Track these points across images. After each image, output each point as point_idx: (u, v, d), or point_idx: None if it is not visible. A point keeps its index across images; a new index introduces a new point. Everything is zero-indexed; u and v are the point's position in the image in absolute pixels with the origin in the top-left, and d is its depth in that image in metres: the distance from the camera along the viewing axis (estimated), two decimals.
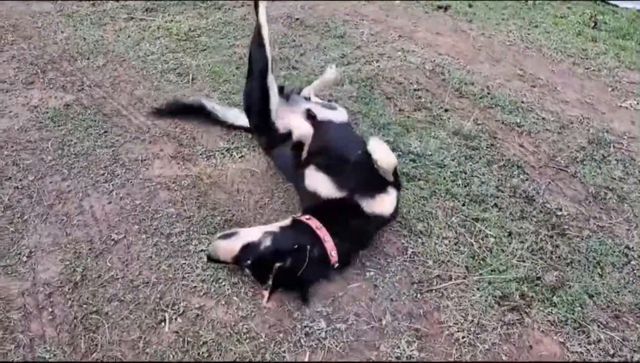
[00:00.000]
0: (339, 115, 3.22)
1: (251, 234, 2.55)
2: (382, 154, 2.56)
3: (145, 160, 3.28)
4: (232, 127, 3.53)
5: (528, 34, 4.94)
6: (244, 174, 3.23)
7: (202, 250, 2.74)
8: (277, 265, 2.40)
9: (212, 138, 3.50)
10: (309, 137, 2.95)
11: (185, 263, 2.66)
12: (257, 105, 3.09)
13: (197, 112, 3.50)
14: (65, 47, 4.45)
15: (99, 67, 4.20)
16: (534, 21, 5.20)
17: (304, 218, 2.63)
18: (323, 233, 2.55)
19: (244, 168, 3.27)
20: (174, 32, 4.73)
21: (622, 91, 4.19)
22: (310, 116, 3.08)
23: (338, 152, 2.85)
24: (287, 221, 2.65)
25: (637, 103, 4.08)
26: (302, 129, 2.98)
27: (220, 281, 2.59)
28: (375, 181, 2.67)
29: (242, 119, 3.39)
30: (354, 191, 2.65)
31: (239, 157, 3.35)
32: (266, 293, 2.47)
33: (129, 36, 4.68)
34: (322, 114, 3.13)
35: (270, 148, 3.19)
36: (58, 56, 4.33)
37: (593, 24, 5.10)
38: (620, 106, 4.03)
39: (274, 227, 2.59)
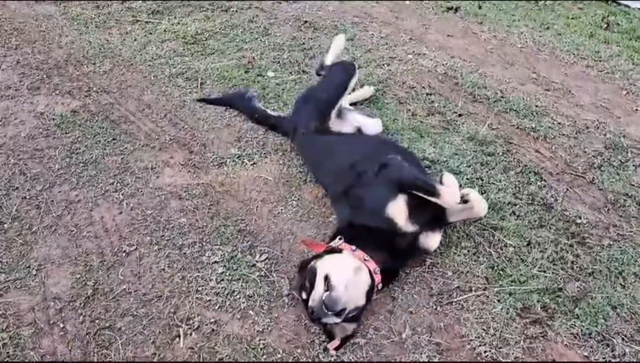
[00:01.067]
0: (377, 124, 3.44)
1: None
2: (481, 205, 2.72)
3: (155, 168, 3.22)
4: (264, 123, 3.58)
5: (540, 36, 4.87)
6: (256, 182, 3.17)
7: (215, 262, 2.68)
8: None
9: (223, 145, 3.43)
10: None
11: (199, 276, 2.60)
12: (322, 106, 3.18)
13: (241, 101, 3.68)
14: (71, 51, 4.38)
15: (105, 72, 4.14)
16: (545, 23, 5.12)
17: (349, 247, 2.49)
18: (372, 265, 2.46)
19: (256, 176, 3.21)
20: (181, 35, 4.66)
21: (637, 95, 4.12)
22: None
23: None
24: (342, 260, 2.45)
25: None
26: None
27: (235, 294, 2.54)
28: (436, 216, 2.68)
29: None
30: (423, 227, 2.61)
31: (251, 164, 3.29)
32: (337, 342, 2.33)
33: (135, 40, 4.61)
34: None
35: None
36: (63, 60, 4.27)
37: (605, 25, 5.03)
38: (636, 110, 3.96)
39: (338, 268, 2.38)
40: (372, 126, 3.37)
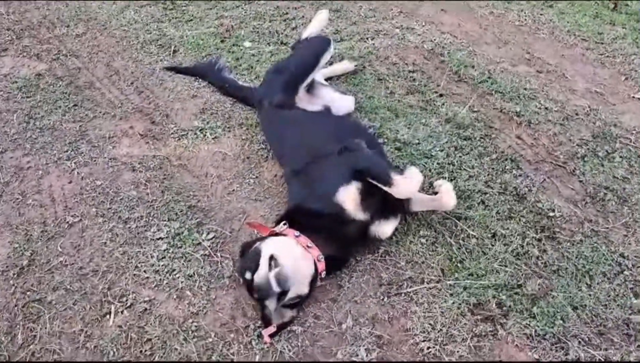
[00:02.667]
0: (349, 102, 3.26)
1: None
2: (450, 198, 2.61)
3: (113, 137, 3.11)
4: (234, 95, 3.44)
5: (541, 14, 4.59)
6: (215, 157, 3.04)
7: (160, 238, 2.58)
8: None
9: (187, 116, 3.30)
10: None
11: (140, 251, 2.51)
12: (291, 80, 3.02)
13: (211, 71, 3.54)
14: (46, 13, 4.26)
15: (78, 35, 4.01)
16: (548, 0, 4.83)
17: (293, 233, 2.36)
18: (316, 252, 2.32)
19: (217, 151, 3.08)
20: None
21: (637, 81, 3.87)
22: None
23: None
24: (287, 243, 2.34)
25: None
26: None
27: (174, 272, 2.44)
28: (395, 205, 2.53)
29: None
30: (376, 215, 2.46)
31: (213, 138, 3.15)
32: (272, 329, 2.22)
33: (114, 3, 4.46)
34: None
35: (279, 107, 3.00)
36: (37, 22, 4.14)
37: (613, 6, 4.73)
38: (633, 97, 3.71)
39: (284, 249, 2.28)
40: (343, 104, 3.19)
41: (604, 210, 2.87)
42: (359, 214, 2.41)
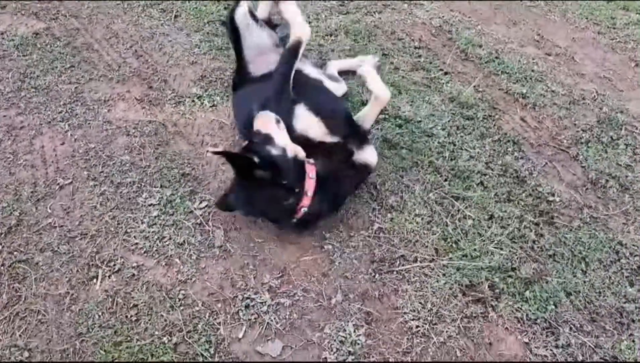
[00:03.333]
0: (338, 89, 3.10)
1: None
2: (377, 86, 2.58)
3: (108, 101, 3.05)
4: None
5: None
6: (212, 125, 2.98)
7: (151, 204, 2.54)
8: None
9: (185, 83, 3.24)
10: None
11: (130, 217, 2.47)
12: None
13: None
14: None
15: None
16: None
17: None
18: (310, 168, 2.33)
19: (213, 119, 3.02)
20: None
21: None
22: None
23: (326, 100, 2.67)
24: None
25: None
26: None
27: (164, 240, 2.40)
28: (360, 132, 2.57)
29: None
30: (346, 138, 2.48)
31: (210, 106, 3.09)
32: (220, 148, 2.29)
33: None
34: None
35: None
36: None
37: None
38: None
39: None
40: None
41: (605, 197, 2.81)
42: (328, 138, 2.43)
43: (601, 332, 2.26)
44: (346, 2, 4.07)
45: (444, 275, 2.38)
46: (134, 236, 2.39)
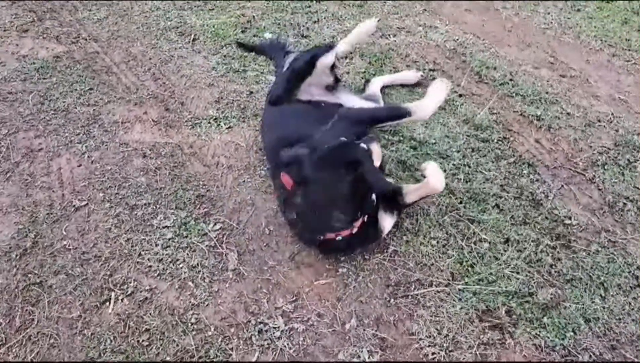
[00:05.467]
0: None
1: None
2: (436, 179, 2.47)
3: (125, 123, 3.09)
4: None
5: (568, 18, 4.47)
6: (227, 146, 3.00)
7: (165, 226, 2.55)
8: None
9: (202, 105, 3.27)
10: None
11: (145, 239, 2.48)
12: (290, 77, 2.95)
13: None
14: None
15: (99, 19, 4.00)
16: (577, 4, 4.70)
17: None
18: None
19: (229, 140, 3.04)
20: None
21: None
22: None
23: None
24: None
25: None
26: None
27: (178, 262, 2.41)
28: (397, 203, 2.56)
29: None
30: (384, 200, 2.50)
31: (226, 128, 3.12)
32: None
33: None
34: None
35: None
36: (60, 4, 4.14)
37: None
38: None
39: None
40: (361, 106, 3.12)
41: (623, 220, 2.77)
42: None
43: (621, 359, 2.20)
44: None
45: (460, 299, 2.35)
46: (148, 259, 2.40)
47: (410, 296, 2.36)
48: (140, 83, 3.40)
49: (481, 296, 2.37)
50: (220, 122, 3.15)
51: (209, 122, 3.14)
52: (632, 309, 2.37)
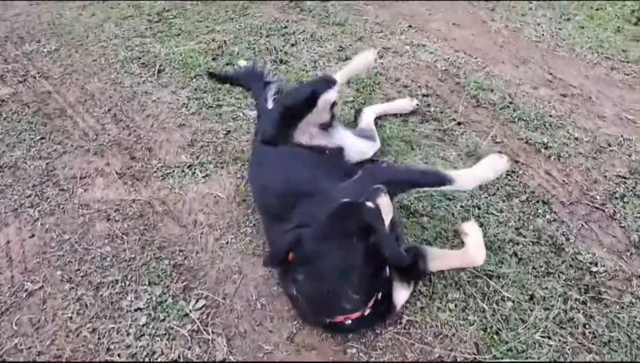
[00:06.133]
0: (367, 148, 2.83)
1: None
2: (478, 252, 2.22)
3: (85, 178, 2.68)
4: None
5: (559, 29, 4.23)
6: (205, 200, 2.62)
7: (138, 309, 2.15)
8: None
9: (173, 150, 2.88)
10: None
11: (114, 328, 2.08)
12: (287, 114, 2.60)
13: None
14: (14, 26, 3.79)
15: (49, 52, 3.56)
16: (566, 12, 4.47)
17: None
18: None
19: (207, 192, 2.66)
20: (146, 11, 4.05)
21: None
22: None
23: None
24: None
25: None
26: None
27: (155, 356, 2.01)
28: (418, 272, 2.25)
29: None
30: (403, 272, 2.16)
31: (203, 176, 2.73)
32: None
33: (93, 14, 4.01)
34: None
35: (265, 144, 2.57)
36: (4, 36, 3.68)
37: (635, 20, 4.38)
38: None
39: None
40: (359, 149, 2.78)
41: None
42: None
43: None
44: (344, 46, 3.75)
45: None
46: (118, 355, 2.00)
47: None
48: (100, 127, 2.98)
49: None
50: (195, 170, 2.76)
51: (183, 171, 2.75)
52: None
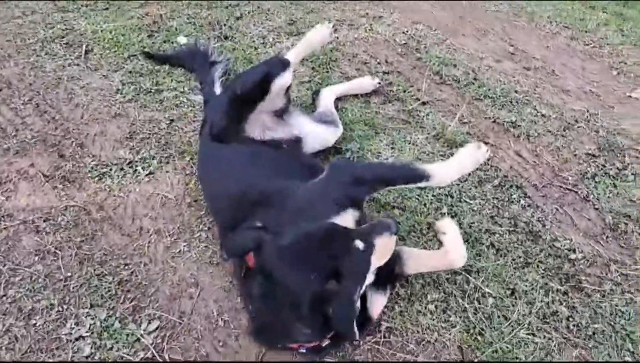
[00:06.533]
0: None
1: None
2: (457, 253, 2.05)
3: (5, 183, 2.30)
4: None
5: None
6: (151, 202, 2.31)
7: (80, 337, 1.85)
8: None
9: (109, 144, 2.52)
10: None
11: None
12: (237, 103, 2.27)
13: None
14: None
15: None
16: None
17: None
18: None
19: (152, 192, 2.34)
20: None
21: (629, 76, 3.46)
22: None
23: None
24: None
25: None
26: None
27: None
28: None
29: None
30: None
31: (146, 174, 2.41)
32: None
33: None
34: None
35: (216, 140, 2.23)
36: None
37: None
38: (630, 96, 3.29)
39: None
40: (319, 137, 2.51)
41: (628, 245, 2.42)
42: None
43: None
44: (295, 19, 3.44)
45: None
46: None
47: None
48: (21, 121, 2.57)
49: None
50: (136, 167, 2.43)
51: (122, 169, 2.41)
52: None
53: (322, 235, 1.60)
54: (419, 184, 2.03)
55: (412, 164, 2.06)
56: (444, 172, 2.03)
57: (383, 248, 1.66)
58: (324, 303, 1.53)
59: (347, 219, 1.82)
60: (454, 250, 2.05)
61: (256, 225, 1.71)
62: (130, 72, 2.90)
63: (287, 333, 1.65)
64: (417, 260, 2.05)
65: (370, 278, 1.69)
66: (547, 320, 2.12)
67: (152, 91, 2.80)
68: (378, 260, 1.66)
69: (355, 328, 1.59)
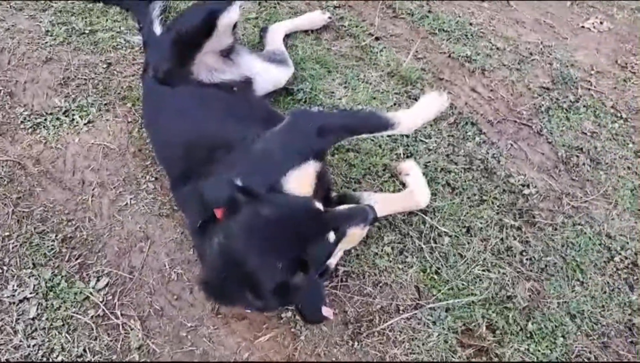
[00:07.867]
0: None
1: None
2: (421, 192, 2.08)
3: None
4: None
5: None
6: (92, 154, 2.17)
7: (25, 298, 1.76)
8: None
9: (41, 92, 2.33)
10: None
11: None
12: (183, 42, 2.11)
13: None
14: None
15: None
16: None
17: None
18: None
19: (93, 143, 2.20)
20: None
21: (582, 6, 3.41)
22: None
23: None
24: None
25: (600, 22, 3.32)
26: None
27: (54, 354, 1.67)
28: None
29: None
30: None
31: (85, 124, 2.26)
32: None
33: None
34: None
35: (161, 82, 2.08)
36: None
37: None
38: (583, 26, 3.26)
39: None
40: (270, 77, 2.38)
41: (580, 178, 2.46)
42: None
43: (616, 357, 1.94)
44: None
45: (434, 322, 1.93)
46: (7, 360, 1.63)
47: (376, 333, 1.87)
48: None
49: (456, 312, 1.97)
50: (73, 116, 2.27)
51: (58, 119, 2.25)
52: (612, 290, 2.12)
53: (298, 219, 1.52)
54: (384, 133, 1.97)
55: (377, 113, 2.02)
56: (410, 120, 1.99)
57: (353, 237, 1.64)
58: (288, 292, 1.48)
59: (308, 170, 1.75)
60: (418, 190, 2.06)
61: (236, 183, 1.61)
62: (59, 11, 2.65)
63: (239, 299, 1.58)
64: (382, 204, 2.01)
65: (331, 260, 1.66)
66: (502, 256, 2.15)
67: (86, 32, 2.58)
68: (345, 245, 1.65)
69: (323, 311, 1.57)
